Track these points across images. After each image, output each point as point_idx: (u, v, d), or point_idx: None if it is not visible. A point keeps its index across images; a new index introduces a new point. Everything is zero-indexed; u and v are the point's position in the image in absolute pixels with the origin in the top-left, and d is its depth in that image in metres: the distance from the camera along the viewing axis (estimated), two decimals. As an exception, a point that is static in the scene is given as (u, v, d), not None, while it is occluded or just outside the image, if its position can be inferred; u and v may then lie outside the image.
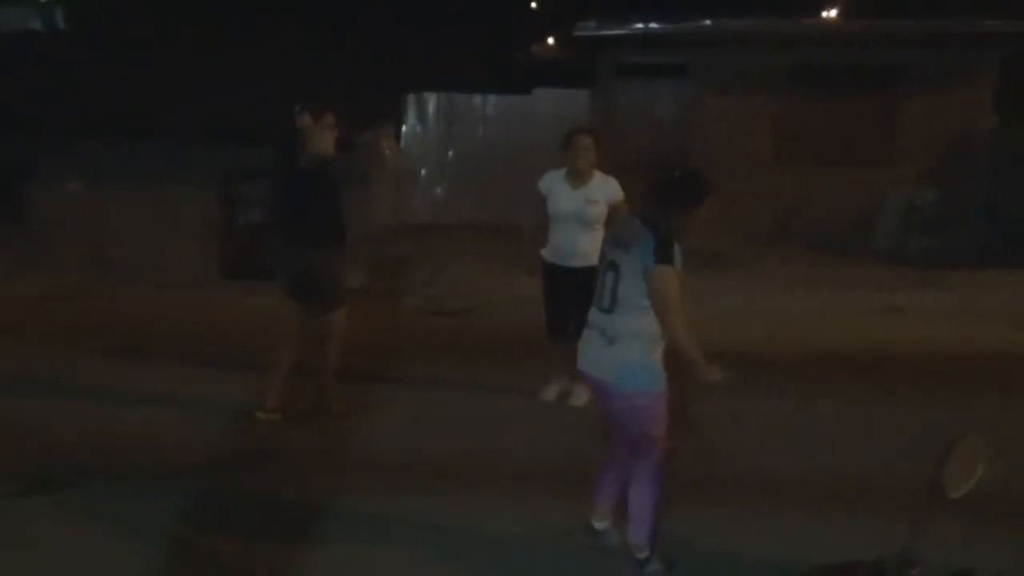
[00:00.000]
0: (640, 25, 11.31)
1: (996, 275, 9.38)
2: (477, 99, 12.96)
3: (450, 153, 12.98)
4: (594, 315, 3.47)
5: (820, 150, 11.09)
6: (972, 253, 10.31)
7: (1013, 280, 9.05)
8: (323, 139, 4.86)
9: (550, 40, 20.23)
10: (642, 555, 3.48)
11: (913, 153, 11.25)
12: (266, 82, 11.74)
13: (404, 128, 12.89)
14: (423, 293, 8.72)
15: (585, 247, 4.97)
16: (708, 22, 11.20)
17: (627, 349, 3.34)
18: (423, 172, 12.89)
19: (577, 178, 5.16)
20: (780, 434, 5.10)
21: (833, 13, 17.30)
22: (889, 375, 6.40)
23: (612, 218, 5.01)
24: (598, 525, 3.71)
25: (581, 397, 5.29)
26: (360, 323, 5.56)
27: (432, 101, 13.01)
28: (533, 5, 21.20)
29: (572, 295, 4.70)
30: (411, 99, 12.99)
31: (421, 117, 13.04)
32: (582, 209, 5.12)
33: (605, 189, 5.15)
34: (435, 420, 5.34)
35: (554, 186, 5.25)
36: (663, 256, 3.23)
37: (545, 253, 5.37)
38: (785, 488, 4.36)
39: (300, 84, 8.26)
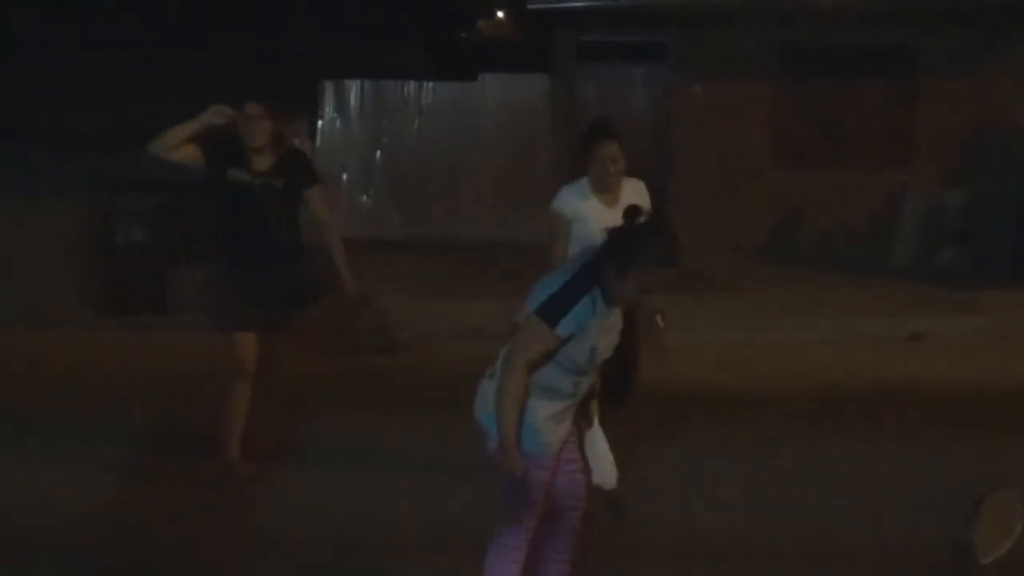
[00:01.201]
0: (607, -4, 11.41)
1: None
2: (411, 87, 12.88)
3: (378, 153, 12.90)
4: None
5: (824, 147, 11.29)
6: (1008, 267, 10.51)
7: None
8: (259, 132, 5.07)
9: (500, 15, 20.28)
10: None
11: (935, 149, 11.48)
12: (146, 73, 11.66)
13: (320, 124, 12.85)
14: (345, 327, 8.60)
15: None
16: (689, -7, 11.34)
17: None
18: (344, 177, 12.82)
19: (608, 194, 4.97)
20: (778, 491, 5.15)
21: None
22: (911, 416, 6.46)
23: None
24: None
25: (607, 478, 4.99)
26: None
27: (355, 90, 12.95)
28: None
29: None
30: (328, 88, 12.92)
31: (341, 110, 12.96)
32: None
33: (640, 198, 4.81)
34: (358, 491, 5.25)
35: (580, 207, 4.97)
36: (549, 310, 3.23)
37: None
38: (789, 558, 4.40)
39: (187, 76, 8.21)
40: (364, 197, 12.89)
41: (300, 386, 6.78)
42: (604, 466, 4.84)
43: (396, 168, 12.79)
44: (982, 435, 5.98)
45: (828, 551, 4.47)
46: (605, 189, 4.92)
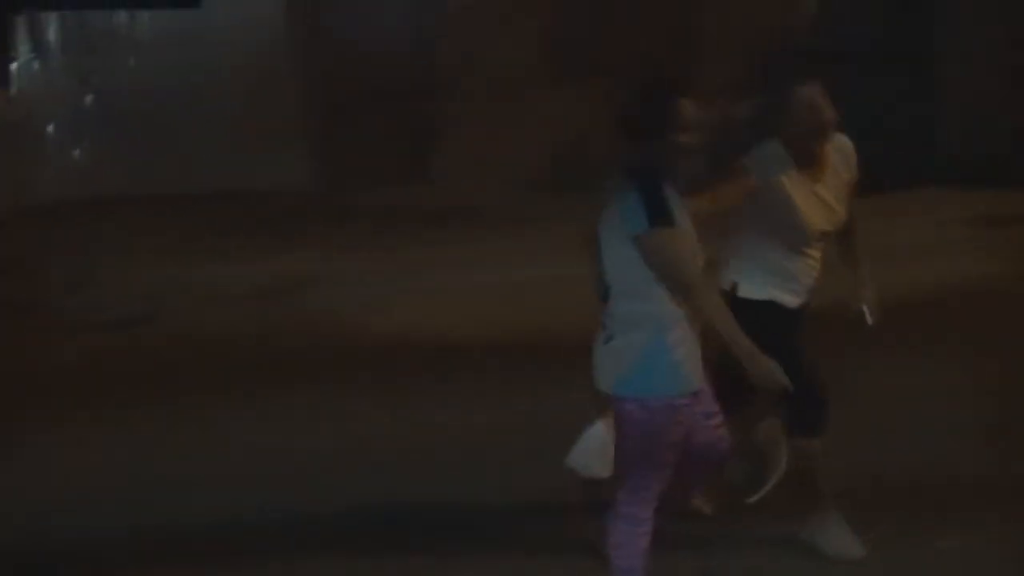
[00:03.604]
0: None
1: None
2: (122, 17, 12.36)
3: (89, 98, 12.25)
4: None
5: (612, 61, 11.11)
6: None
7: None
8: None
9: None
10: None
11: (722, 62, 11.64)
12: None
13: (14, 66, 12.09)
14: (70, 302, 8.35)
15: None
16: None
17: (626, 343, 3.42)
18: (50, 128, 12.18)
19: (815, 165, 4.15)
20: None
21: None
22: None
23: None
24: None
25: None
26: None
27: (53, 25, 12.31)
28: None
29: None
30: (20, 24, 12.17)
31: (39, 48, 12.32)
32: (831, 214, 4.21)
33: (846, 163, 4.24)
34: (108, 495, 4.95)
35: (784, 181, 4.09)
36: (655, 213, 3.28)
37: (762, 287, 4.21)
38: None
39: None
40: (75, 151, 12.28)
41: (28, 373, 6.64)
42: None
43: (112, 115, 12.15)
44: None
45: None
46: (811, 160, 4.15)
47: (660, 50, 11.39)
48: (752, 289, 4.05)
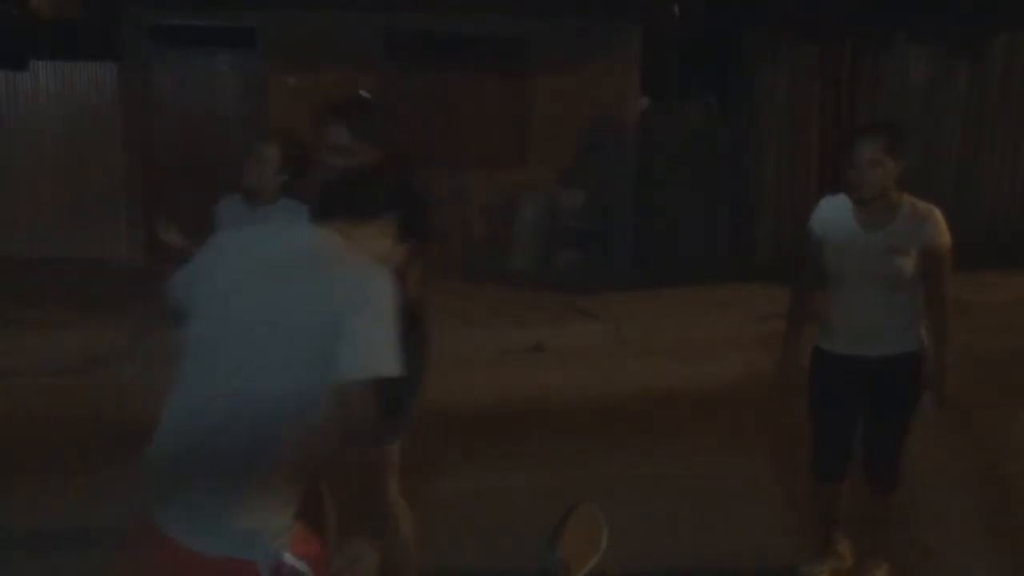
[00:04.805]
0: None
1: (657, 296, 10.25)
2: None
3: None
4: None
5: (435, 144, 11.35)
6: (628, 268, 11.18)
7: (678, 300, 10.09)
8: None
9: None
10: None
11: (549, 148, 11.98)
12: None
13: None
14: None
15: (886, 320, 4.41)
16: (278, -29, 11.17)
17: None
18: None
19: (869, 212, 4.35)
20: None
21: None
22: (525, 433, 6.64)
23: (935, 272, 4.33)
24: None
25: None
26: None
27: None
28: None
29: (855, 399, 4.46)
30: None
31: None
32: (880, 261, 4.33)
33: (918, 230, 4.30)
34: None
35: (834, 220, 4.45)
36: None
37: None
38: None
39: None
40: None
41: None
42: None
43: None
44: (593, 448, 6.25)
45: None
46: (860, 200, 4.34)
47: (483, 139, 11.71)
48: None
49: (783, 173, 12.01)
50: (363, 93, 3.91)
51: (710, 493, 5.62)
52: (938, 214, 4.23)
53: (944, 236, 4.22)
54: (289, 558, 2.59)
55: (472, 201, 11.64)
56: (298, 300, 2.64)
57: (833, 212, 4.39)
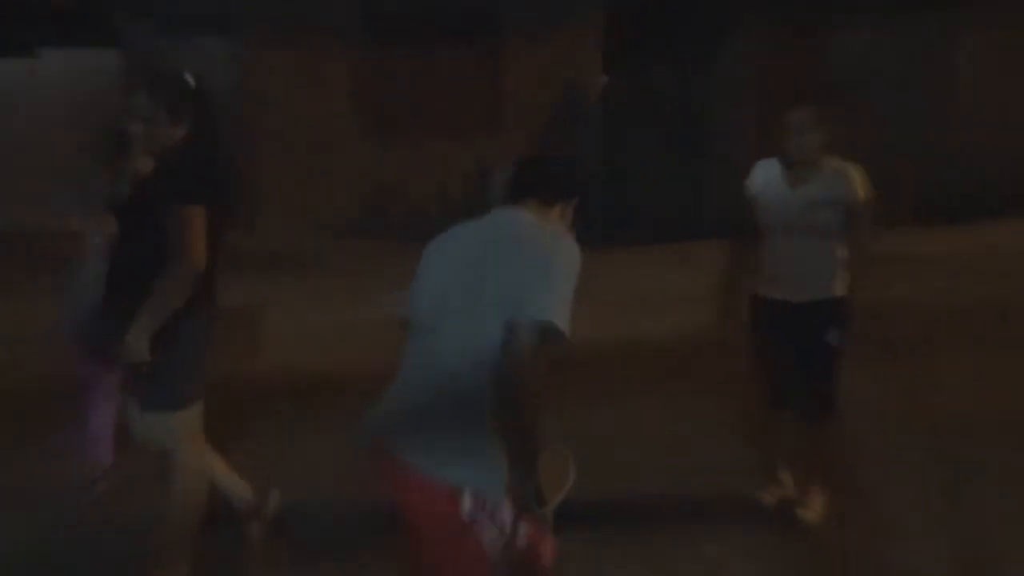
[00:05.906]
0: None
1: (623, 254, 10.70)
2: None
3: None
4: None
5: (412, 116, 11.83)
6: (598, 230, 11.62)
7: (640, 258, 10.46)
8: None
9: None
10: None
11: (522, 115, 12.35)
12: None
13: None
14: None
15: (811, 268, 4.88)
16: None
17: None
18: None
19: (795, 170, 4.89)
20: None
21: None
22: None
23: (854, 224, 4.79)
24: None
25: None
26: None
27: None
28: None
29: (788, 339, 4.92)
30: None
31: None
32: (804, 215, 4.81)
33: (839, 186, 4.79)
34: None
35: (766, 179, 4.98)
36: None
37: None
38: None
39: None
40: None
41: None
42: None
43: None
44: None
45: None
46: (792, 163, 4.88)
47: (458, 109, 12.06)
48: None
49: (741, 137, 12.33)
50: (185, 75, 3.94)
51: (669, 432, 6.05)
52: (855, 171, 4.70)
53: (861, 191, 4.66)
54: (506, 509, 2.82)
55: (448, 170, 11.99)
56: (508, 263, 2.99)
57: (765, 172, 4.89)
